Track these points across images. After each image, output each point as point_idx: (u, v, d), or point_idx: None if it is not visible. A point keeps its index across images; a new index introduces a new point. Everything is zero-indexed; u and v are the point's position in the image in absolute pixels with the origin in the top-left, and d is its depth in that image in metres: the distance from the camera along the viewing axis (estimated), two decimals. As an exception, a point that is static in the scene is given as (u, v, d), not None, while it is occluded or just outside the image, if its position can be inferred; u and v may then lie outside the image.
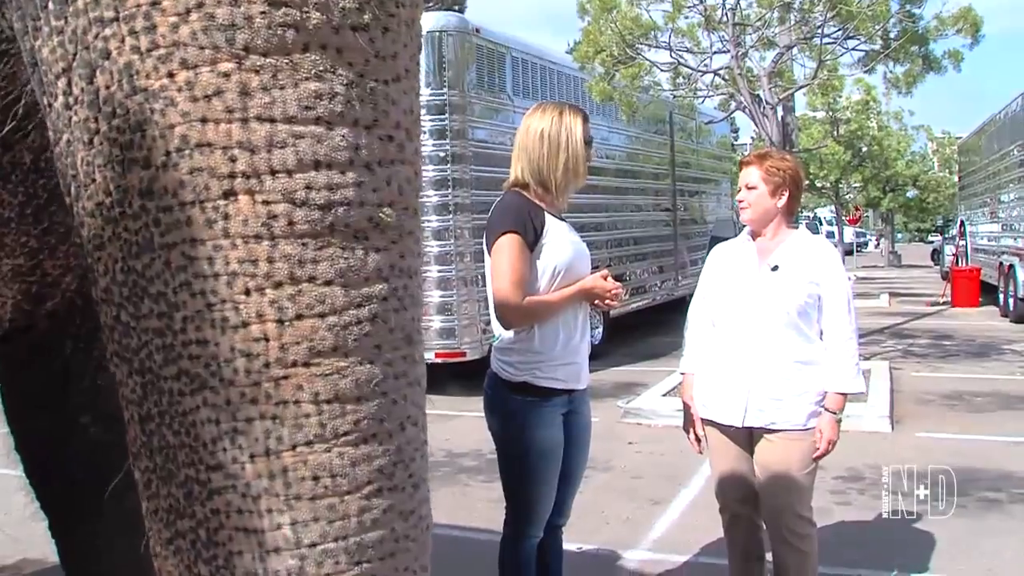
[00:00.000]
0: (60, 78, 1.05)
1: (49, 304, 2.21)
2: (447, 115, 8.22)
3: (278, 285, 0.99)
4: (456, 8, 24.21)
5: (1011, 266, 13.23)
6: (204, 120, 0.97)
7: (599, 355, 10.21)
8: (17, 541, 3.85)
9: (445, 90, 8.24)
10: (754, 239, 3.09)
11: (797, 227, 3.13)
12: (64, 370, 2.34)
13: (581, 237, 2.96)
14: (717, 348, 3.09)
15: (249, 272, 0.99)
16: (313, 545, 1.04)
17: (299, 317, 1.00)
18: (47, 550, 2.85)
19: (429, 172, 8.24)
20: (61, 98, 1.07)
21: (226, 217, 0.98)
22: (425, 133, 8.25)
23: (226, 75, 0.96)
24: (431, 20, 8.50)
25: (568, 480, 2.93)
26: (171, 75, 0.97)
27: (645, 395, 7.64)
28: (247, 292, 0.99)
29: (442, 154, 8.23)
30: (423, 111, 8.19)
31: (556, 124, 2.78)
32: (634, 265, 12.01)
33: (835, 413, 2.95)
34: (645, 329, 11.30)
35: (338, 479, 1.03)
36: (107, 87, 1.01)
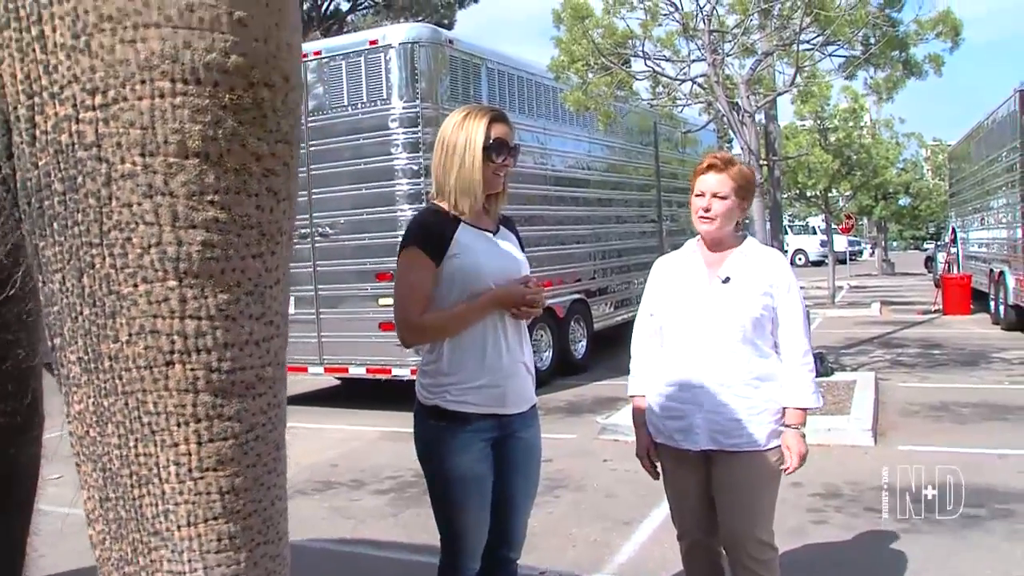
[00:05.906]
0: (57, 273, 1.51)
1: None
2: (419, 127, 8.05)
3: (198, 420, 1.48)
4: (445, 24, 24.19)
5: (1001, 273, 13.09)
6: (155, 316, 1.46)
7: (581, 370, 10.08)
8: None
9: (418, 102, 8.08)
10: (709, 250, 2.95)
11: (745, 237, 2.98)
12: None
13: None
14: (668, 368, 2.93)
15: (181, 412, 1.48)
16: None
17: (211, 440, 1.49)
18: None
19: (404, 186, 8.10)
20: (57, 285, 1.52)
21: (167, 377, 1.47)
22: (399, 146, 8.13)
23: (172, 288, 1.44)
24: (403, 32, 8.37)
25: (510, 509, 2.72)
26: (135, 286, 1.45)
27: (624, 410, 7.45)
28: (179, 424, 1.48)
29: (415, 167, 8.06)
30: (397, 124, 8.12)
31: (456, 129, 2.60)
32: (619, 277, 11.86)
33: (798, 428, 2.80)
34: (630, 343, 11.13)
35: (234, 539, 1.54)
36: (91, 286, 1.48)
